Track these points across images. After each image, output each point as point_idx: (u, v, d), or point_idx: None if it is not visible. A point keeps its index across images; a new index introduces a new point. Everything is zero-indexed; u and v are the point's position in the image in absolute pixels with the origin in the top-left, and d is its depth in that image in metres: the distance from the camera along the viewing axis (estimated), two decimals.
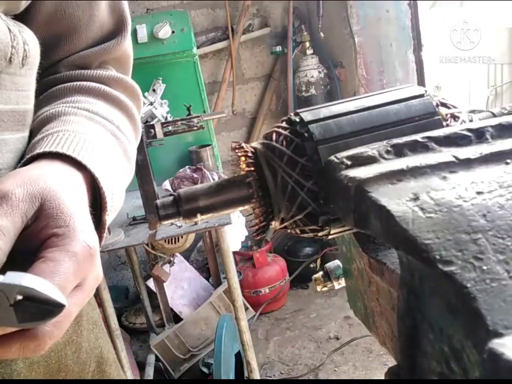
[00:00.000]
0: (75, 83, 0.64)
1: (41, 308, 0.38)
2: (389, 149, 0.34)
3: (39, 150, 0.50)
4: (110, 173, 0.54)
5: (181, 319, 2.64)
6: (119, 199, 0.57)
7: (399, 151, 0.34)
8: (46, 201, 0.42)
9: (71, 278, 0.39)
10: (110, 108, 0.64)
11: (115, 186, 0.54)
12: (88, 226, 0.43)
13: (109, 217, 0.52)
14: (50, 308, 0.38)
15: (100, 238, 0.52)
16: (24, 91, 0.56)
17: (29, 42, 0.54)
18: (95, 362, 0.71)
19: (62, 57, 0.66)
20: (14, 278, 0.37)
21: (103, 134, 0.58)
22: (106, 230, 0.53)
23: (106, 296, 1.87)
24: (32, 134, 0.57)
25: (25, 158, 0.51)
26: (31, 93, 0.58)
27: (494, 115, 0.41)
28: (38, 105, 0.61)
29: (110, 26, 0.68)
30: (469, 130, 0.34)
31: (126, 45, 0.70)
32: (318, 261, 3.21)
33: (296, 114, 0.38)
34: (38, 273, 0.38)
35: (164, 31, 2.33)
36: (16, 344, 0.38)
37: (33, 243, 0.41)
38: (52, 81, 0.65)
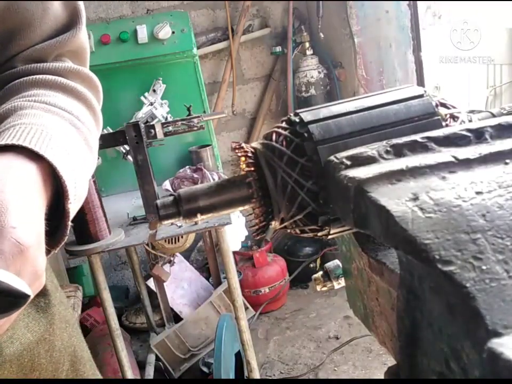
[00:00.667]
0: (31, 77, 0.64)
1: (5, 300, 0.38)
2: (389, 149, 0.34)
3: None
4: (70, 162, 0.53)
5: (181, 319, 2.64)
6: (83, 187, 0.56)
7: (398, 151, 0.34)
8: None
9: None
10: (68, 99, 0.64)
11: (77, 175, 0.54)
12: (24, 222, 0.43)
13: (73, 206, 0.52)
14: (13, 300, 0.38)
15: (65, 227, 0.52)
16: None
17: None
18: (69, 361, 0.71)
19: (17, 52, 0.66)
20: None
21: (61, 125, 0.58)
22: (70, 219, 0.52)
23: (107, 295, 1.87)
24: None
25: None
26: None
27: (493, 115, 0.41)
28: None
29: (64, 19, 0.68)
30: (468, 130, 0.34)
31: (82, 37, 0.70)
32: (318, 261, 3.21)
33: (296, 114, 0.38)
34: None
35: (164, 32, 2.33)
36: None
37: None
38: (8, 77, 0.65)
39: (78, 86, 0.66)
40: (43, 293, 0.68)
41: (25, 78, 0.64)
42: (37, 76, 0.64)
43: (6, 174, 0.45)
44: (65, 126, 0.59)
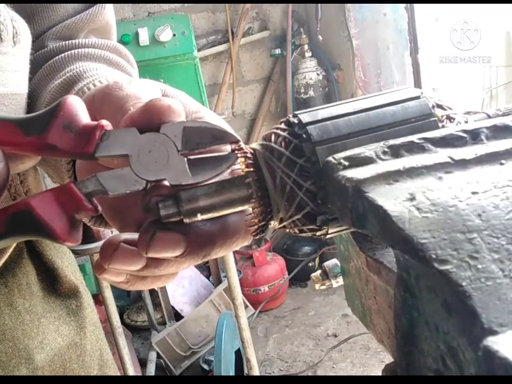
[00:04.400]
0: (73, 51, 0.58)
1: (213, 158, 0.37)
2: (386, 149, 0.34)
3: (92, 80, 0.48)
4: None
5: (182, 317, 2.64)
6: None
7: (395, 152, 0.34)
8: (166, 92, 0.43)
9: None
10: (117, 71, 0.58)
11: None
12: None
13: None
14: (222, 156, 0.37)
15: None
16: (21, 72, 0.51)
17: (16, 18, 0.49)
18: (98, 365, 0.69)
19: (45, 28, 0.60)
20: (173, 123, 0.36)
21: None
22: None
23: (109, 294, 1.87)
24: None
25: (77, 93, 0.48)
26: (28, 75, 0.53)
27: (489, 116, 0.41)
28: (38, 84, 0.56)
29: None
30: (464, 131, 0.34)
31: (109, 11, 0.64)
32: (317, 260, 3.22)
33: (295, 116, 0.38)
34: None
35: (165, 34, 2.34)
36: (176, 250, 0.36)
37: None
38: (42, 56, 0.59)
39: (121, 61, 0.59)
40: (75, 295, 0.65)
41: (66, 53, 0.57)
42: (78, 50, 0.57)
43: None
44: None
